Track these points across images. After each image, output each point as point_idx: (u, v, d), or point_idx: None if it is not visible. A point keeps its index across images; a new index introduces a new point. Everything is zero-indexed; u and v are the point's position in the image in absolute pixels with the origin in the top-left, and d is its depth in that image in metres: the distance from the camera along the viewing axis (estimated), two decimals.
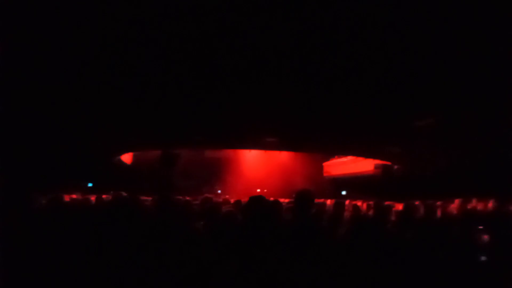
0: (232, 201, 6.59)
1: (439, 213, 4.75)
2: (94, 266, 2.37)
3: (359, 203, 7.23)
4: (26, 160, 10.06)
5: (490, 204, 5.73)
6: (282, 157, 19.37)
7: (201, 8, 2.97)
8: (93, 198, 6.63)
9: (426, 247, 2.90)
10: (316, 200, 7.01)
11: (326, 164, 18.83)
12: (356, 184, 15.23)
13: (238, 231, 3.02)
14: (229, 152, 19.38)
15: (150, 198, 8.54)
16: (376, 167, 13.48)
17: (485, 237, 3.27)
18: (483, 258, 3.00)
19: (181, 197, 5.97)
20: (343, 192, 17.13)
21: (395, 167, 12.69)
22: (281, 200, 6.73)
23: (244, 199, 6.07)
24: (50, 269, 2.54)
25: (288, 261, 1.80)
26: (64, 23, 3.31)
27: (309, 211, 3.37)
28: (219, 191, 17.69)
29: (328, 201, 8.75)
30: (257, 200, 3.13)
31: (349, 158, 15.82)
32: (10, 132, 7.39)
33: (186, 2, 2.92)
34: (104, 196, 7.06)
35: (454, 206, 5.47)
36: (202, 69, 4.47)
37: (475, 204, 6.39)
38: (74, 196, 7.29)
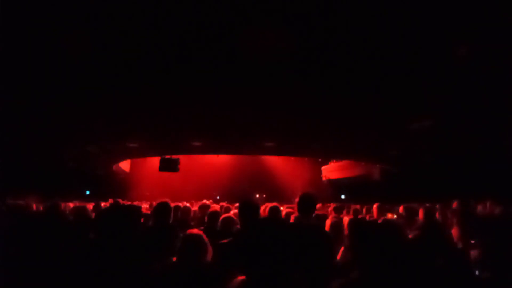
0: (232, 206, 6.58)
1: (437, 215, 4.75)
2: (92, 272, 2.34)
3: (357, 207, 7.25)
4: (25, 167, 10.02)
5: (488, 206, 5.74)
6: (281, 162, 19.40)
7: (199, 9, 3.00)
8: (90, 206, 6.60)
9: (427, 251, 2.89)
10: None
11: (324, 168, 18.84)
12: (355, 188, 15.24)
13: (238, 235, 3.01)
14: (228, 158, 19.38)
15: (147, 205, 8.55)
16: (375, 170, 13.52)
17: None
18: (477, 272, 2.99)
19: (180, 203, 5.96)
20: (342, 196, 17.13)
21: (393, 170, 12.71)
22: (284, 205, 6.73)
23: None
24: (47, 274, 2.53)
25: (290, 266, 1.79)
26: (63, 25, 3.32)
27: (312, 214, 3.36)
28: (217, 197, 17.65)
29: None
30: (248, 204, 3.12)
31: (347, 161, 15.83)
32: (10, 138, 7.37)
33: (183, 6, 2.95)
34: (102, 204, 7.04)
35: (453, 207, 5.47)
36: (198, 72, 4.48)
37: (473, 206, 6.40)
38: (71, 204, 7.25)
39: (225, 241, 2.94)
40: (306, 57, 3.83)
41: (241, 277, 1.72)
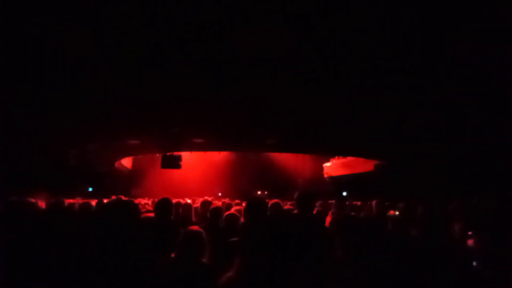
0: (233, 203, 6.61)
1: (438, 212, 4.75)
2: (95, 270, 2.38)
3: (358, 203, 7.28)
4: (28, 164, 10.08)
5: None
6: (283, 159, 19.43)
7: (199, 9, 3.01)
8: (93, 203, 6.63)
9: (428, 247, 2.92)
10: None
11: (325, 166, 18.84)
12: (357, 185, 15.24)
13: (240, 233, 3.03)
14: (230, 154, 19.43)
15: (150, 201, 8.59)
16: (376, 167, 13.51)
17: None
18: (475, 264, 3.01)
19: (181, 200, 6.00)
20: (344, 193, 17.14)
21: (395, 167, 12.71)
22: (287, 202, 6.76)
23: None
24: (50, 273, 2.55)
25: (291, 263, 1.81)
26: (63, 25, 3.34)
27: (311, 211, 3.39)
28: (219, 194, 17.69)
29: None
30: (256, 202, 3.14)
31: (348, 159, 15.84)
32: (11, 136, 7.41)
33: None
34: (105, 201, 7.07)
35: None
36: (199, 71, 4.50)
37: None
38: (74, 200, 7.29)
39: (235, 239, 2.94)
40: (306, 56, 3.85)
41: (229, 274, 1.73)
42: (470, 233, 3.45)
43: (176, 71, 4.43)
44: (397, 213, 5.42)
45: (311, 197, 3.38)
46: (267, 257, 1.70)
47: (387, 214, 5.39)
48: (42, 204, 5.74)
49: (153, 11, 3.05)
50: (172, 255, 2.69)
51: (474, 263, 3.03)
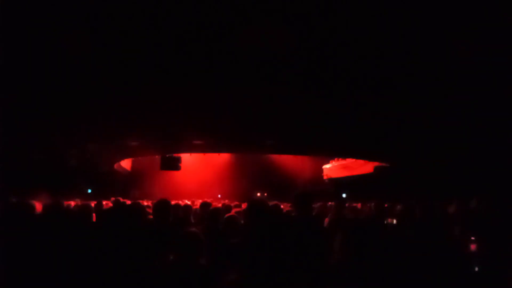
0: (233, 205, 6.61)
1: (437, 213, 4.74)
2: (94, 272, 2.37)
3: (358, 205, 7.28)
4: (26, 166, 10.07)
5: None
6: (283, 160, 19.43)
7: (199, 9, 3.01)
8: (92, 204, 6.61)
9: (425, 247, 2.91)
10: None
11: (325, 167, 18.84)
12: (356, 186, 15.24)
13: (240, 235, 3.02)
14: (229, 156, 19.42)
15: (150, 203, 8.59)
16: (375, 169, 13.51)
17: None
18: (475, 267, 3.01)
19: (180, 201, 6.00)
20: (344, 195, 17.13)
21: (394, 168, 12.70)
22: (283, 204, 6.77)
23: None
24: (50, 275, 2.54)
25: (291, 264, 1.80)
26: (63, 25, 3.33)
27: (310, 212, 3.39)
28: (219, 195, 17.67)
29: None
30: (257, 204, 3.13)
31: (348, 160, 15.84)
32: (11, 136, 7.40)
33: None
34: (104, 202, 7.06)
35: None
36: (199, 71, 4.50)
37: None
38: (73, 202, 7.28)
39: (234, 241, 2.94)
40: (306, 56, 3.85)
41: (230, 275, 1.72)
42: (473, 238, 3.43)
43: (176, 71, 4.42)
44: (394, 221, 5.35)
45: (309, 198, 3.37)
46: (268, 259, 1.69)
47: (385, 221, 5.35)
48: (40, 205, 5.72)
49: (153, 11, 3.05)
50: (171, 256, 2.68)
51: (476, 267, 3.02)
